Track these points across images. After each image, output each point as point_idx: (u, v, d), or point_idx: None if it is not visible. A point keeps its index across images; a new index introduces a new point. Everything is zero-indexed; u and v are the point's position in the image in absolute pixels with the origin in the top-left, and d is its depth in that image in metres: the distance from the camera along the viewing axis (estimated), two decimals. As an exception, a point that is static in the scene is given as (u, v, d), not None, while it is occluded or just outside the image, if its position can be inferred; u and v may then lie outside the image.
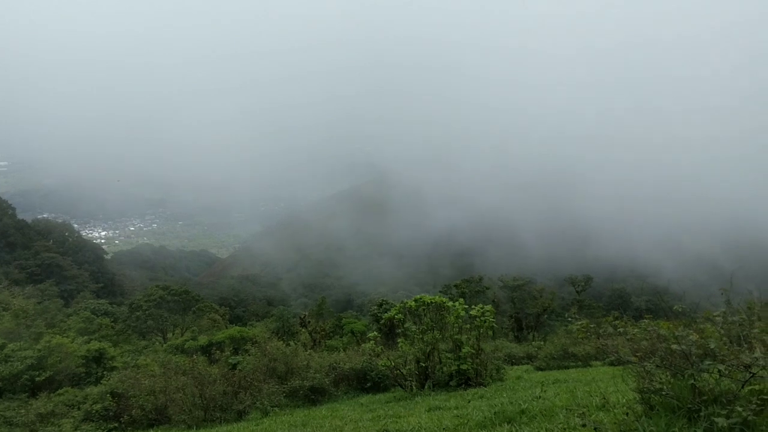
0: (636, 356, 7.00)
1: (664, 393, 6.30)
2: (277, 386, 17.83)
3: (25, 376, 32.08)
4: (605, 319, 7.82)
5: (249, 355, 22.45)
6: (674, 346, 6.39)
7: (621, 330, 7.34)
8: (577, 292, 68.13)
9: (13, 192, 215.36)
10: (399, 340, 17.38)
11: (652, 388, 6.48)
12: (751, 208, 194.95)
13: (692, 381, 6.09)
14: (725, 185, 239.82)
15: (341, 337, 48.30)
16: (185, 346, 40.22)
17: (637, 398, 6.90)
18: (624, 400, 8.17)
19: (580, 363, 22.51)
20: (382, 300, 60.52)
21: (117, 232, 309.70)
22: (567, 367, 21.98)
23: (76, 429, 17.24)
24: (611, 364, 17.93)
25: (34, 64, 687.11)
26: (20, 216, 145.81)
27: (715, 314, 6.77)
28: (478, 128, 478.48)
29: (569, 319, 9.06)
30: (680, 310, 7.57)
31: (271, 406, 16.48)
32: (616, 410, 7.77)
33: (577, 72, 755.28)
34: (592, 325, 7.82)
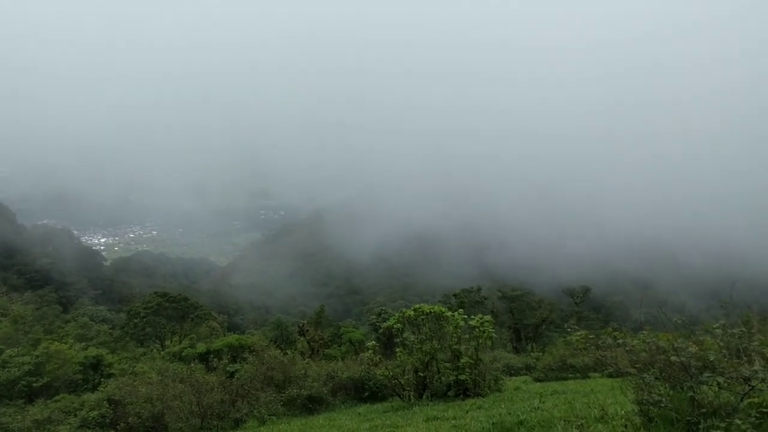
0: (635, 368, 6.99)
1: (663, 405, 6.28)
2: (274, 395, 17.77)
3: (22, 382, 31.99)
4: (604, 330, 7.80)
5: (247, 363, 22.37)
6: (673, 358, 6.38)
7: (620, 341, 7.33)
8: (576, 303, 68.09)
9: (13, 198, 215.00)
10: (397, 349, 17.35)
11: (650, 399, 6.46)
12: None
13: (691, 393, 6.08)
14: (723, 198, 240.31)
15: (339, 346, 48.17)
16: (183, 354, 40.08)
17: (636, 410, 6.88)
18: (622, 412, 8.13)
19: (578, 374, 22.43)
20: (381, 309, 60.50)
21: (116, 238, 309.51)
22: (565, 379, 21.91)
23: (72, 436, 17.18)
24: (610, 375, 17.84)
25: (35, 71, 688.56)
26: (20, 222, 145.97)
27: (714, 327, 6.76)
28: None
29: (569, 330, 9.05)
30: (680, 322, 7.56)
31: (269, 415, 16.43)
32: (614, 422, 7.75)
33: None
34: (591, 336, 7.81)
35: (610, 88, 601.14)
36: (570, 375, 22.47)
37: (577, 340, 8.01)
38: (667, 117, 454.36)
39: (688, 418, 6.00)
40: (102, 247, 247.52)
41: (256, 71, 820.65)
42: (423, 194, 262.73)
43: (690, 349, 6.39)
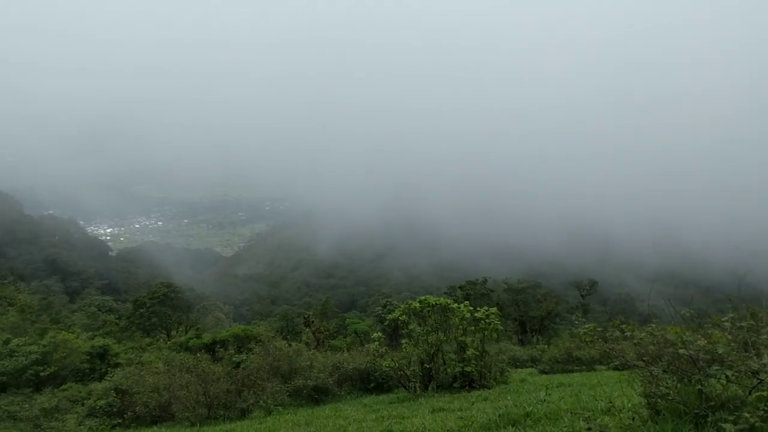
0: (642, 360, 6.97)
1: (670, 398, 6.27)
2: (280, 385, 17.85)
3: (30, 371, 32.26)
4: (612, 323, 7.78)
5: (253, 353, 22.48)
6: (681, 351, 6.36)
7: (627, 334, 7.31)
8: (582, 296, 67.98)
9: (20, 188, 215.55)
10: (403, 341, 17.39)
11: (658, 392, 6.45)
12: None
13: (699, 386, 6.06)
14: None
15: (345, 337, 48.37)
16: (189, 344, 40.27)
17: (643, 403, 6.87)
18: (630, 405, 8.13)
19: (584, 367, 22.41)
20: (386, 301, 60.68)
21: (122, 229, 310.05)
22: (571, 371, 21.90)
23: (80, 425, 17.29)
24: (616, 368, 17.85)
25: (39, 60, 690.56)
26: (27, 212, 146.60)
27: (723, 319, 6.73)
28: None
29: (576, 322, 9.04)
30: (688, 315, 7.53)
31: (275, 405, 16.50)
32: (621, 414, 7.75)
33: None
34: (599, 329, 7.79)
35: (611, 85, 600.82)
36: (576, 367, 22.46)
37: (584, 333, 7.98)
38: (668, 113, 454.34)
39: (696, 411, 5.98)
40: (108, 238, 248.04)
41: (259, 68, 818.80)
42: (441, 188, 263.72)
43: (698, 342, 6.37)
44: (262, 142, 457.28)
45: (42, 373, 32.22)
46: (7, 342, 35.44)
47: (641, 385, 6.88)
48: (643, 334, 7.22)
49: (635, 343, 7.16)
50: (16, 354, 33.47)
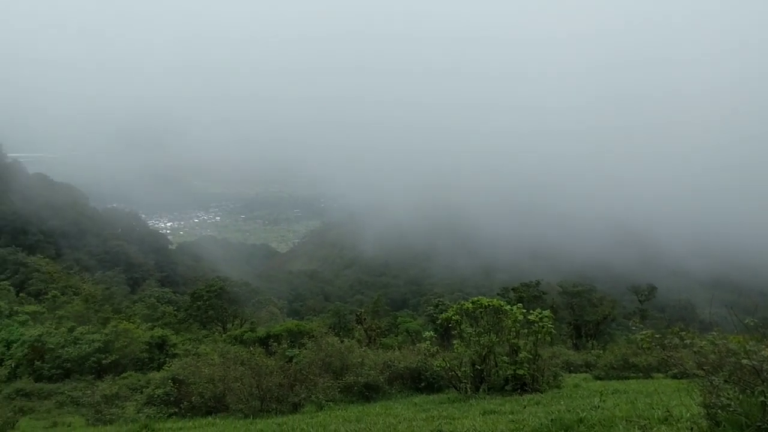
0: (702, 370, 6.78)
1: (731, 409, 6.08)
2: (332, 381, 17.97)
3: (93, 359, 33.62)
4: (670, 330, 7.59)
5: (305, 348, 22.73)
6: (744, 361, 6.17)
7: (687, 342, 7.12)
8: (640, 301, 66.29)
9: (86, 182, 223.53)
10: (454, 341, 17.31)
11: (719, 403, 6.26)
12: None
13: (763, 398, 5.87)
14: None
15: (396, 335, 48.49)
16: (244, 337, 41.12)
17: (703, 413, 6.68)
18: (688, 415, 7.89)
19: (641, 374, 21.87)
20: (438, 300, 60.51)
21: (182, 223, 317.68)
22: (627, 378, 21.41)
23: (138, 412, 17.85)
24: (675, 376, 17.36)
25: (105, 63, 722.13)
26: (92, 205, 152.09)
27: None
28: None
29: (633, 328, 8.84)
30: (752, 324, 7.28)
31: (326, 401, 16.64)
32: (679, 424, 7.54)
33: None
34: (657, 336, 7.61)
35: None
36: (632, 374, 21.93)
37: (641, 340, 7.80)
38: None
39: (759, 423, 5.79)
40: (168, 231, 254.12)
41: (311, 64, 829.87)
42: (478, 187, 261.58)
43: (763, 352, 6.17)
44: (315, 138, 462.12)
45: (104, 361, 33.53)
46: (72, 330, 37.02)
47: (701, 395, 6.69)
48: (703, 343, 7.03)
49: (695, 352, 6.98)
50: (80, 341, 34.93)
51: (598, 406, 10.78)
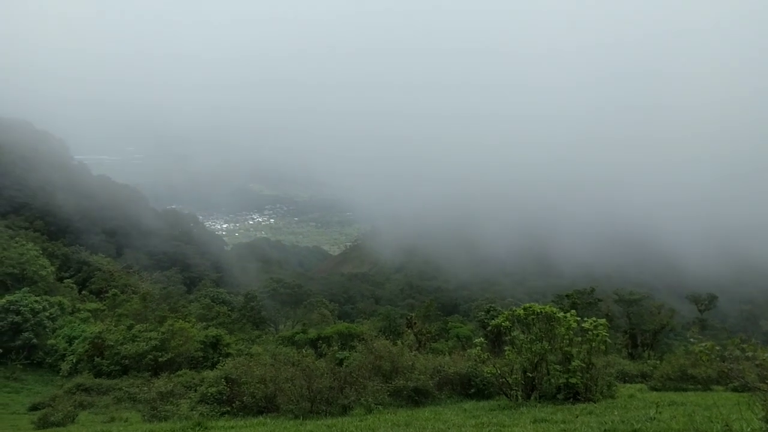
0: (765, 383, 6.53)
1: (795, 425, 5.84)
2: (381, 384, 17.99)
3: (149, 356, 34.53)
4: (731, 341, 7.33)
5: (356, 351, 22.84)
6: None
7: (749, 354, 6.87)
8: (700, 311, 64.24)
9: (146, 183, 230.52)
10: (506, 348, 17.10)
11: (782, 418, 6.02)
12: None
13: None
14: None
15: (446, 341, 48.15)
16: (295, 338, 41.60)
17: (764, 428, 6.43)
18: (749, 429, 7.61)
19: (699, 386, 21.18)
20: (490, 306, 59.83)
21: (237, 225, 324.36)
22: (684, 390, 20.77)
23: (192, 410, 18.22)
24: (735, 389, 16.76)
25: (180, 81, 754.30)
26: (152, 206, 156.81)
27: None
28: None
29: (692, 340, 8.57)
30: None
31: (375, 404, 16.67)
32: (739, 439, 7.28)
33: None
34: (717, 348, 7.36)
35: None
36: (690, 386, 21.27)
37: (700, 351, 7.54)
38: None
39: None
40: (224, 233, 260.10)
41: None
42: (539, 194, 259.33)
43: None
44: (360, 151, 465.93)
45: (160, 359, 34.40)
46: (130, 327, 38.13)
47: (762, 409, 6.45)
48: (766, 355, 6.76)
49: (757, 365, 6.72)
50: (138, 339, 35.93)
51: (654, 418, 10.49)
